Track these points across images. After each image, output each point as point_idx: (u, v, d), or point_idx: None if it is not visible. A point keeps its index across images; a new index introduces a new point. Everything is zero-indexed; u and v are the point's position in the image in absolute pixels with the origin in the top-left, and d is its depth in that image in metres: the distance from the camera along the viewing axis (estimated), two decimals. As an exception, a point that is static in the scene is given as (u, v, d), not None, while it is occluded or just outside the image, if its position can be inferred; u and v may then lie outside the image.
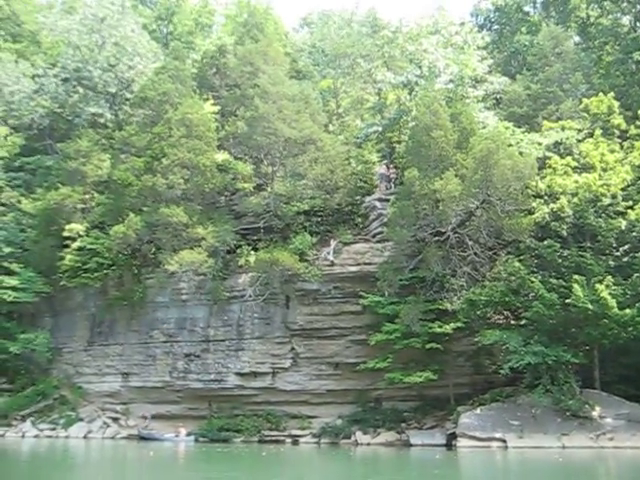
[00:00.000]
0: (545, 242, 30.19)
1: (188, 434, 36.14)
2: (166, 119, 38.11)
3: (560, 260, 29.91)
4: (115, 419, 38.85)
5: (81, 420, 38.52)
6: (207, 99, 42.50)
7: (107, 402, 39.38)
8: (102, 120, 47.01)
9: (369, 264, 34.52)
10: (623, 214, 30.58)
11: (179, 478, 21.06)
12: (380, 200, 36.70)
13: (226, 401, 36.80)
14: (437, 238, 31.71)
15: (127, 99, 46.23)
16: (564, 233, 30.51)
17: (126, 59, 46.53)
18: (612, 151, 32.58)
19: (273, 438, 35.00)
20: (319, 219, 36.99)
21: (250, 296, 35.09)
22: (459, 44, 41.72)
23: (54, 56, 48.71)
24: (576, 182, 30.90)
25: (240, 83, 40.82)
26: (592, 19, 47.45)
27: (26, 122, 46.45)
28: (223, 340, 36.75)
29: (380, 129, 41.26)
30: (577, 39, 48.06)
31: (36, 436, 37.31)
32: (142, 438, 36.31)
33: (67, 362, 40.73)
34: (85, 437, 37.15)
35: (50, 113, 46.84)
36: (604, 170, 31.62)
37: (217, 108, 41.57)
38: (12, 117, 46.39)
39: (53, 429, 38.01)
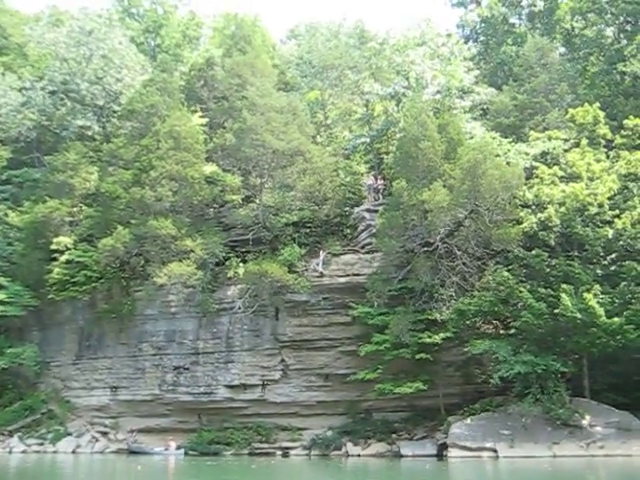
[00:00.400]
0: (533, 252, 30.32)
1: (178, 447, 35.91)
2: (154, 131, 38.08)
3: (548, 269, 30.05)
4: (104, 433, 38.54)
5: (69, 435, 38.20)
6: (195, 111, 42.53)
7: (96, 416, 39.08)
8: (90, 133, 46.90)
9: (358, 275, 34.53)
10: (610, 223, 30.79)
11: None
12: (369, 211, 36.78)
13: (216, 414, 36.61)
14: (426, 248, 31.79)
15: (115, 112, 46.18)
16: (552, 242, 30.68)
17: (114, 72, 46.51)
18: (598, 160, 32.84)
19: (263, 451, 34.84)
20: (308, 230, 37.00)
21: (239, 308, 34.99)
22: (446, 55, 42.02)
23: (41, 69, 48.60)
24: (563, 192, 31.11)
25: (228, 95, 40.90)
26: (577, 30, 47.91)
27: (13, 135, 46.26)
28: (212, 352, 36.60)
29: (368, 140, 41.41)
30: (562, 50, 48.51)
31: (24, 451, 36.95)
32: (132, 452, 36.05)
33: (55, 376, 40.42)
34: (74, 452, 36.83)
35: (37, 126, 46.69)
36: (591, 179, 31.86)
37: (205, 120, 41.61)
38: (-1, 130, 46.22)
39: (41, 444, 37.66)
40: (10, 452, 36.87)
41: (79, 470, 29.93)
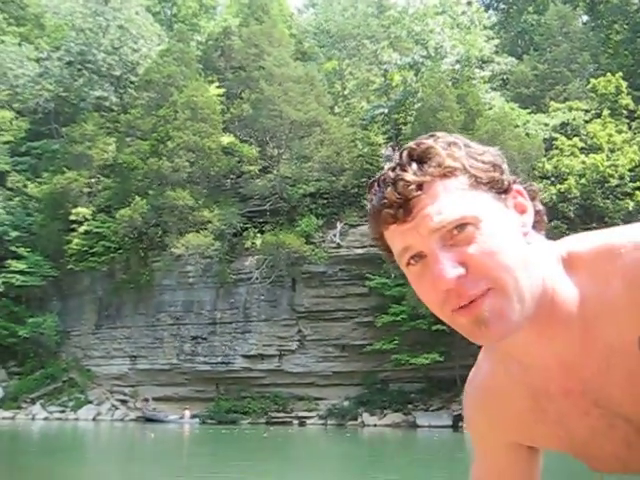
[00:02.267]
0: (552, 223, 30.08)
1: (193, 416, 36.43)
2: (171, 102, 38.01)
3: (567, 241, 29.81)
4: (123, 401, 39.16)
5: (90, 403, 38.83)
6: (212, 81, 42.33)
7: (115, 385, 39.67)
8: (107, 103, 46.89)
9: (375, 246, 33.92)
10: (631, 195, 30.45)
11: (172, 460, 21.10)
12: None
13: (233, 383, 37.00)
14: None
15: (132, 82, 46.08)
16: (571, 215, 30.41)
17: (130, 42, 46.32)
18: (620, 132, 32.37)
19: (280, 420, 35.21)
20: (325, 201, 36.93)
21: (257, 279, 35.15)
22: (465, 24, 41.40)
23: (58, 39, 48.51)
24: (583, 163, 30.75)
25: (245, 65, 40.64)
26: (600, -2, 46.94)
27: (31, 106, 46.36)
28: (230, 323, 36.88)
29: (386, 111, 41.05)
30: (585, 18, 47.56)
31: (45, 418, 37.64)
32: (147, 419, 36.64)
33: (75, 345, 40.99)
34: (94, 419, 37.46)
35: (55, 97, 46.73)
36: (612, 151, 31.44)
37: (222, 90, 41.41)
38: (17, 101, 46.33)
39: (62, 411, 38.33)
40: (33, 419, 37.57)
41: (95, 437, 30.47)
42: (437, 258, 0.98)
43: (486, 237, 0.98)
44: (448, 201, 0.98)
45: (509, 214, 1.02)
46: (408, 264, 1.04)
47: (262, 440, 26.84)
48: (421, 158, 1.01)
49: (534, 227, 1.06)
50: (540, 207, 1.10)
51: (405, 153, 1.02)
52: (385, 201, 1.01)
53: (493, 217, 0.99)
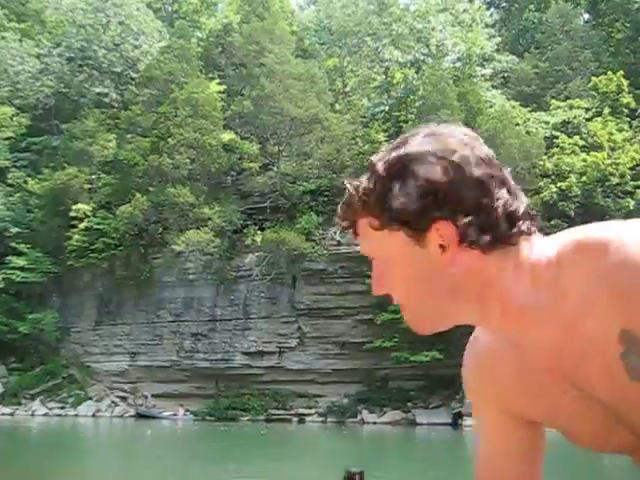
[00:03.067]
0: (552, 222, 30.06)
1: (191, 413, 36.57)
2: (172, 99, 37.99)
3: (567, 240, 29.80)
4: (123, 398, 39.18)
5: (90, 399, 38.86)
6: (213, 78, 42.30)
7: (115, 381, 39.68)
8: (107, 100, 46.86)
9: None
10: (631, 194, 30.44)
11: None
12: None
13: (233, 380, 37.02)
14: (444, 218, 31.63)
15: (132, 79, 46.03)
16: (571, 213, 30.39)
17: (131, 38, 46.28)
18: (621, 130, 32.36)
19: (280, 417, 35.24)
20: (325, 199, 36.90)
21: (257, 276, 35.16)
22: (467, 22, 41.35)
23: (59, 35, 48.46)
24: (584, 161, 30.74)
25: (246, 62, 40.59)
26: (602, -4, 46.85)
27: (32, 102, 46.32)
28: (230, 319, 36.90)
29: (387, 108, 41.05)
30: (587, 16, 47.51)
31: (45, 414, 37.66)
32: (141, 416, 36.75)
33: (75, 341, 41.00)
34: (94, 415, 37.49)
35: (55, 93, 46.68)
36: (612, 149, 31.42)
37: (223, 87, 41.37)
38: (18, 97, 46.27)
39: (62, 408, 38.36)
40: (32, 415, 37.60)
41: (93, 434, 30.51)
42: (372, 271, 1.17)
43: (391, 271, 1.13)
44: (364, 237, 1.15)
45: (418, 252, 1.09)
46: None
47: (259, 437, 26.83)
48: (349, 198, 1.13)
49: (504, 239, 1.09)
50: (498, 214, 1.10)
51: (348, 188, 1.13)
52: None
53: (398, 256, 1.12)
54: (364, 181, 1.10)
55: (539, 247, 1.12)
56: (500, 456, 1.29)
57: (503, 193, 1.11)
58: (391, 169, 1.07)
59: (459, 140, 1.09)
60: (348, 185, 1.11)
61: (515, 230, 1.10)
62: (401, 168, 1.07)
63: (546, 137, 31.99)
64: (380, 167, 1.08)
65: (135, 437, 27.51)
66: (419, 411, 32.56)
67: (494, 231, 1.08)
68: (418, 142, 1.09)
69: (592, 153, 31.13)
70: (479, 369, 1.29)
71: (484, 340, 1.28)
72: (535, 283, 1.09)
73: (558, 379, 1.13)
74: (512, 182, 1.16)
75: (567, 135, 32.41)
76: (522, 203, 1.14)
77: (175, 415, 36.53)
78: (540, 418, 1.23)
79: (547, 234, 1.19)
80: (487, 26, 42.11)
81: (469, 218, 1.06)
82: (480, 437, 1.32)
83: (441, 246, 1.08)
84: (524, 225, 1.11)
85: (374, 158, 1.11)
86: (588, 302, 1.05)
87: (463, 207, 1.07)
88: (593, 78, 35.50)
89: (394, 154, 1.08)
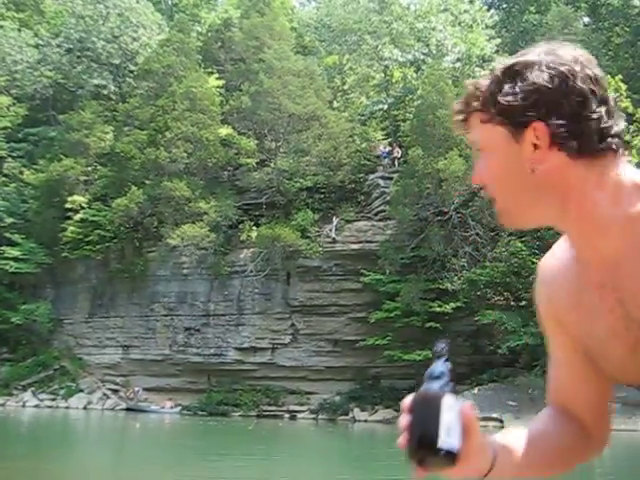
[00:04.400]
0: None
1: (175, 406, 36.71)
2: (170, 92, 37.91)
3: (562, 242, 29.89)
4: (115, 391, 39.13)
5: (81, 391, 38.79)
6: (211, 73, 42.21)
7: (107, 374, 39.63)
8: (105, 92, 46.72)
9: (371, 242, 34.50)
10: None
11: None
12: (383, 178, 36.59)
13: (225, 375, 37.01)
14: (439, 218, 31.67)
15: (131, 71, 45.92)
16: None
17: (130, 30, 46.11)
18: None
19: (271, 413, 35.25)
20: (322, 196, 36.91)
21: (251, 271, 35.14)
22: (467, 23, 41.33)
23: (57, 26, 48.26)
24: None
25: (245, 57, 40.53)
26: (602, 0, 46.88)
27: (29, 92, 46.14)
28: (223, 315, 36.88)
29: (385, 107, 41.02)
30: (587, 20, 47.51)
31: (36, 406, 37.58)
32: (129, 409, 36.77)
33: (68, 333, 40.92)
34: (85, 408, 37.42)
35: (53, 84, 46.52)
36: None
37: (221, 82, 41.30)
38: (15, 87, 46.09)
39: (53, 399, 38.28)
40: (23, 406, 37.52)
41: (81, 426, 30.48)
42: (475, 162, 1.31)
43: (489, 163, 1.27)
44: (474, 128, 1.28)
45: (514, 148, 1.22)
46: None
47: (245, 433, 26.81)
48: (467, 94, 1.28)
49: (591, 149, 1.20)
50: (589, 129, 1.19)
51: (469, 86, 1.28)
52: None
53: (497, 150, 1.24)
54: (483, 80, 1.26)
55: (626, 170, 1.23)
56: (565, 372, 1.40)
57: (601, 110, 1.21)
58: (506, 72, 1.23)
59: (573, 57, 1.21)
60: (468, 83, 1.27)
61: (603, 145, 1.21)
62: (515, 72, 1.22)
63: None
64: (498, 70, 1.25)
65: (121, 431, 27.49)
66: (410, 410, 32.57)
67: (583, 140, 1.19)
68: (536, 53, 1.23)
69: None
70: (541, 279, 1.40)
71: (555, 254, 1.38)
72: (615, 201, 1.20)
73: (607, 295, 1.23)
74: (614, 107, 1.26)
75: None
76: (617, 125, 1.24)
77: (163, 408, 36.54)
78: (581, 333, 1.32)
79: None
80: (487, 27, 42.08)
81: (562, 122, 1.18)
82: (550, 355, 1.44)
83: (534, 145, 1.20)
84: (613, 143, 1.22)
85: (496, 63, 1.29)
86: None
87: (560, 113, 1.18)
88: (592, 81, 35.54)
89: (513, 61, 1.24)
